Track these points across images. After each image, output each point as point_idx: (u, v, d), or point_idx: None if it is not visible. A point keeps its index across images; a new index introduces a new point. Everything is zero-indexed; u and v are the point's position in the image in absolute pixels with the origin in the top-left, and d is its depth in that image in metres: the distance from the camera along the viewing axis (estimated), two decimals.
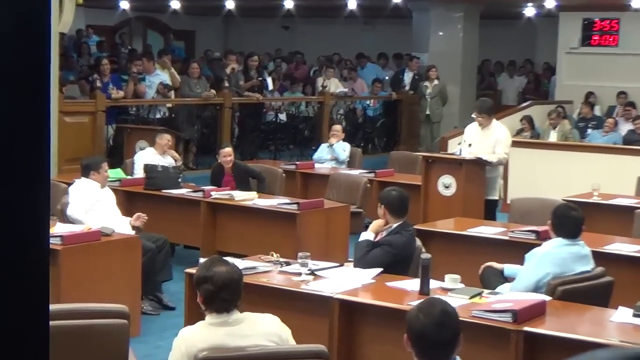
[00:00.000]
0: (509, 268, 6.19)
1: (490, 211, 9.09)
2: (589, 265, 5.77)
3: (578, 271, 5.69)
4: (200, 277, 4.05)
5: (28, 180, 1.23)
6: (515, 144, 12.56)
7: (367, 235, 6.22)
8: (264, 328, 4.08)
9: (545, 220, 6.98)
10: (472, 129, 9.31)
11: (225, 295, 3.98)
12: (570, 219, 5.81)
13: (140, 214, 7.69)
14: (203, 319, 4.11)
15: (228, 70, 13.85)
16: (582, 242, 5.83)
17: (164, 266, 7.67)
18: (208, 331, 4.01)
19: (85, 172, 7.74)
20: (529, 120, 14.17)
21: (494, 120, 9.29)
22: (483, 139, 9.12)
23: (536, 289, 5.60)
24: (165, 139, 9.85)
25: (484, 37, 17.51)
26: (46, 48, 1.19)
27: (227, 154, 9.57)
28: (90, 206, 7.57)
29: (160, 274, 7.62)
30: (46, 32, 1.20)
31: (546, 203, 8.18)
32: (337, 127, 11.84)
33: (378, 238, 6.19)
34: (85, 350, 4.54)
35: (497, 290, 5.69)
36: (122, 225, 7.47)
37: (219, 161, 9.65)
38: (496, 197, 9.24)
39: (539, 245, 6.39)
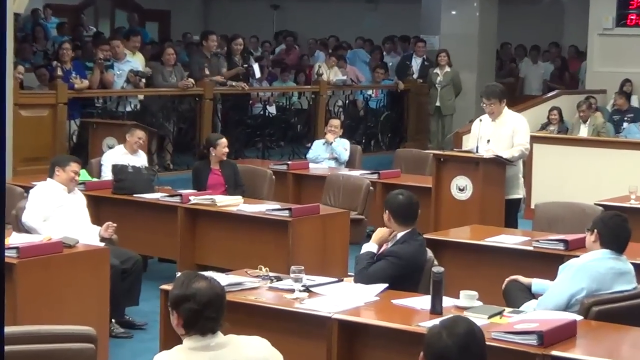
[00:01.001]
0: (538, 283, 6.18)
1: (512, 213, 9.11)
2: (630, 284, 5.77)
3: (616, 290, 5.68)
4: (179, 297, 4.04)
5: None
6: (540, 140, 12.63)
7: (370, 247, 6.22)
8: (251, 353, 4.08)
9: (575, 227, 6.96)
10: (484, 123, 9.27)
11: (210, 313, 3.98)
12: (625, 231, 5.84)
13: (109, 223, 7.68)
14: (180, 342, 4.10)
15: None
16: (624, 258, 5.84)
17: (131, 290, 7.58)
18: (187, 357, 4.01)
19: (51, 170, 7.77)
20: (559, 112, 14.19)
21: (506, 108, 9.28)
22: (498, 132, 9.12)
23: (568, 307, 5.59)
24: (136, 136, 9.85)
25: (503, 16, 17.51)
26: (2, 31, 1.17)
27: (226, 144, 9.77)
28: (50, 212, 7.55)
29: (126, 298, 7.54)
30: (2, 13, 1.18)
31: (576, 208, 8.20)
32: (335, 122, 11.85)
33: (382, 250, 6.19)
34: None
35: (521, 308, 5.69)
36: (90, 235, 7.46)
37: (209, 155, 9.65)
38: (519, 196, 9.26)
39: (568, 256, 6.39)
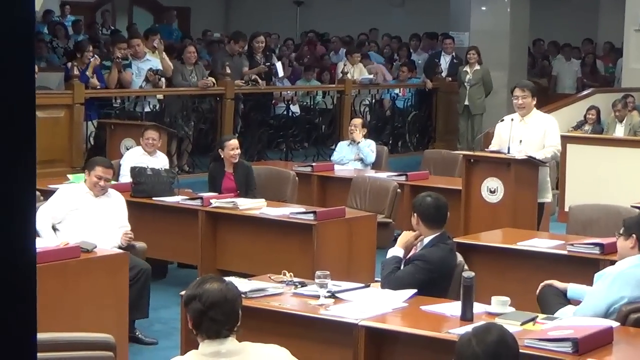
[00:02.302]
0: (574, 289, 6.15)
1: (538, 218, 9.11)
2: None
3: None
4: (189, 296, 4.10)
5: (15, 183, 1.23)
6: (574, 140, 12.59)
7: (395, 251, 6.21)
8: None
9: (610, 230, 6.92)
10: (515, 123, 9.24)
11: (214, 315, 4.00)
12: None
13: (126, 231, 7.69)
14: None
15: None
16: None
17: (138, 300, 7.40)
18: None
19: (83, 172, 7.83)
20: (597, 112, 14.15)
21: (535, 109, 9.26)
22: (528, 133, 9.08)
23: (607, 316, 5.58)
24: (145, 136, 9.87)
25: (535, 12, 17.47)
26: (30, 31, 1.19)
27: (235, 146, 9.54)
28: (63, 215, 7.55)
29: (133, 310, 7.36)
30: (30, 13, 1.20)
31: (612, 210, 8.18)
32: (357, 121, 11.84)
33: (410, 255, 6.20)
34: None
35: (557, 314, 5.68)
36: (110, 240, 7.44)
37: (222, 157, 9.58)
38: (547, 200, 9.25)
39: (604, 260, 6.37)
